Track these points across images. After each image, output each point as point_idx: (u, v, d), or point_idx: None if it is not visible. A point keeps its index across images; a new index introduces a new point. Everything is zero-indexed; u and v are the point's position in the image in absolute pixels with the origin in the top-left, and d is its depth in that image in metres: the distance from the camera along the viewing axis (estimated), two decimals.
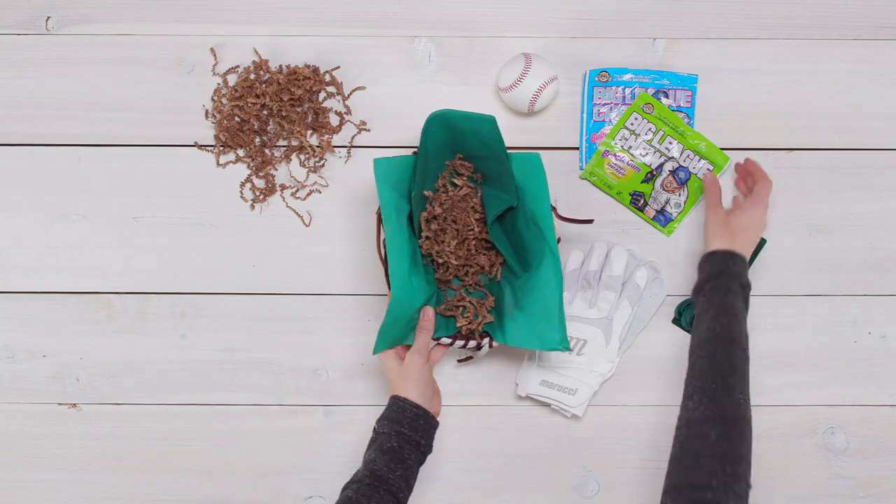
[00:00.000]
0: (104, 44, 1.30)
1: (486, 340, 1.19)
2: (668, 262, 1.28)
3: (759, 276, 1.27)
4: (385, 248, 1.15)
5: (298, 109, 1.28)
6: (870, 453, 1.26)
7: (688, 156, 1.24)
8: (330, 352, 1.27)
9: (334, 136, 1.29)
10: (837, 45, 1.30)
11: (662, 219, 1.24)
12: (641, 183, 1.25)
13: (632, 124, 1.25)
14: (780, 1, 1.31)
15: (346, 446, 1.25)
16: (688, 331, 1.26)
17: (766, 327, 1.27)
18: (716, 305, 1.11)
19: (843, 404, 1.27)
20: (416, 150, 1.22)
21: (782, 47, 1.30)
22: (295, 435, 1.26)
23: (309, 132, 1.29)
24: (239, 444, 1.26)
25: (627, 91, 1.26)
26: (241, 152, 1.28)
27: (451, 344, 1.19)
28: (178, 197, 1.28)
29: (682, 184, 1.23)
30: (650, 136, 1.24)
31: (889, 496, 1.26)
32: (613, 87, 1.25)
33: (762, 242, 1.26)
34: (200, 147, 1.29)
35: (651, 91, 1.25)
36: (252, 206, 1.28)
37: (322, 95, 1.29)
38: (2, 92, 1.29)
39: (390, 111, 1.29)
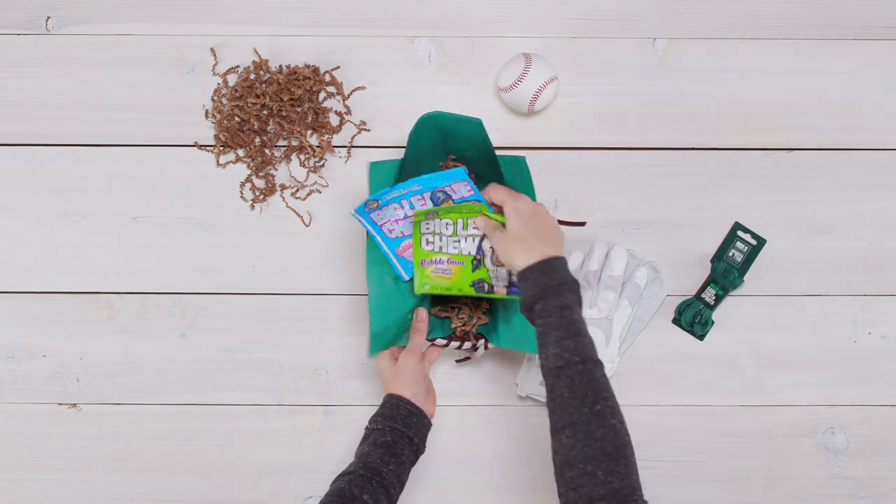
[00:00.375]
0: (104, 44, 1.30)
1: (482, 342, 1.19)
2: (668, 261, 1.28)
3: (759, 276, 1.27)
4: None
5: (298, 109, 1.28)
6: (870, 453, 1.26)
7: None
8: (330, 352, 1.27)
9: (334, 136, 1.29)
10: (837, 45, 1.30)
11: (515, 290, 1.15)
12: (473, 272, 1.15)
13: (427, 230, 1.15)
14: (780, 1, 1.31)
15: (346, 446, 1.25)
16: (688, 331, 1.26)
17: (766, 327, 1.27)
18: (554, 326, 1.00)
19: (843, 404, 1.27)
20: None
21: (782, 47, 1.30)
22: (295, 435, 1.26)
23: (309, 132, 1.29)
24: (239, 444, 1.26)
25: (404, 202, 1.16)
26: (241, 152, 1.28)
27: (447, 345, 1.19)
28: (178, 197, 1.28)
29: None
30: (451, 230, 1.14)
31: (889, 496, 1.26)
32: (387, 206, 1.15)
33: (762, 242, 1.26)
34: (200, 147, 1.29)
35: (427, 195, 1.15)
36: (252, 206, 1.28)
37: (322, 95, 1.29)
38: (2, 92, 1.29)
39: (390, 111, 1.29)
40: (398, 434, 1.10)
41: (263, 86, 1.27)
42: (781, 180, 1.28)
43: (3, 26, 1.30)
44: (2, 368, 1.27)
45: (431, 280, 1.16)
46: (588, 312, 1.23)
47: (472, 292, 1.15)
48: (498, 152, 1.23)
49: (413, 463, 1.11)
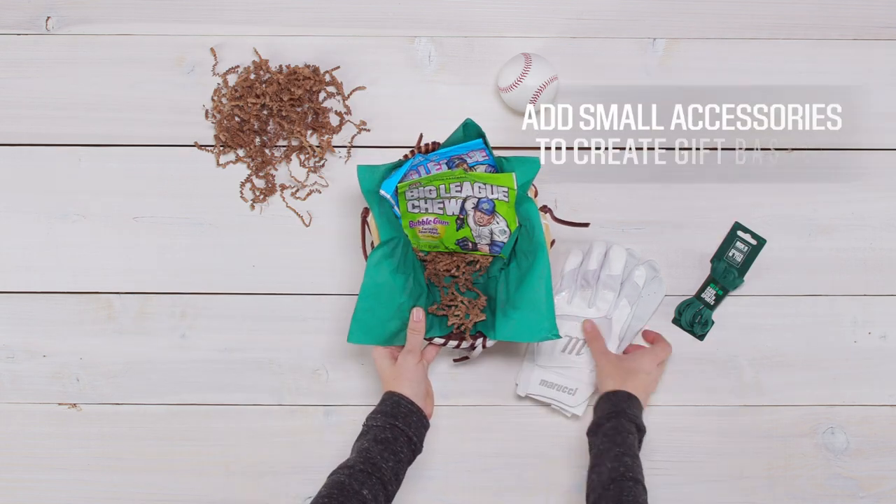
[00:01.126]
0: (104, 44, 1.30)
1: (480, 341, 1.19)
2: (668, 261, 1.28)
3: (760, 276, 1.27)
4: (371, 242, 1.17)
5: (298, 109, 1.28)
6: (870, 453, 1.26)
7: (478, 188, 1.18)
8: (330, 352, 1.27)
9: (334, 136, 1.29)
10: (837, 45, 1.30)
11: (497, 248, 1.21)
12: (458, 230, 1.20)
13: (412, 196, 1.19)
14: (780, 1, 1.31)
15: (346, 446, 1.24)
16: (688, 331, 1.26)
17: (766, 327, 1.27)
18: (618, 444, 1.10)
19: (843, 404, 1.27)
20: (408, 153, 1.22)
21: (782, 47, 1.30)
22: (295, 435, 1.26)
23: (309, 132, 1.29)
24: (239, 444, 1.26)
25: (421, 168, 1.20)
26: (241, 152, 1.28)
27: (445, 344, 1.19)
28: (178, 197, 1.28)
29: (492, 213, 1.18)
30: (434, 194, 1.18)
31: (889, 496, 1.26)
32: (407, 175, 1.20)
33: (762, 242, 1.26)
34: (200, 147, 1.29)
35: (443, 162, 1.19)
36: (252, 206, 1.28)
37: (322, 95, 1.29)
38: (2, 92, 1.29)
39: (390, 111, 1.29)
40: (398, 432, 1.10)
41: (263, 86, 1.27)
42: (781, 180, 1.28)
43: (3, 26, 1.30)
44: (2, 368, 1.27)
45: (420, 240, 1.22)
46: (587, 312, 1.23)
47: (457, 249, 1.22)
48: (498, 153, 1.23)
49: (410, 462, 1.11)
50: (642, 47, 1.30)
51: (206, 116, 1.29)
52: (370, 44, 1.30)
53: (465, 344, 1.19)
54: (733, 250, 1.26)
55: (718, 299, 1.25)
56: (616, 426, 1.12)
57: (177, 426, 1.26)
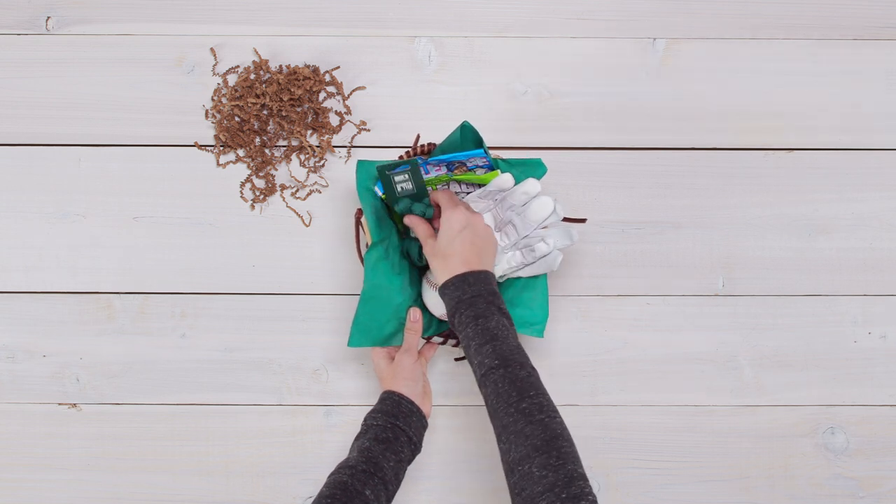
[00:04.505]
0: (104, 44, 1.30)
1: None
2: (668, 262, 1.28)
3: (760, 276, 1.27)
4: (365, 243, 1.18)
5: (298, 109, 1.28)
6: (870, 453, 1.26)
7: (465, 187, 1.20)
8: (330, 352, 1.27)
9: (334, 136, 1.29)
10: (837, 45, 1.30)
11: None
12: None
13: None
14: (780, 1, 1.31)
15: (346, 446, 1.25)
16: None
17: (766, 327, 1.27)
18: (471, 337, 1.03)
19: (843, 404, 1.27)
20: (404, 154, 1.22)
21: (782, 47, 1.31)
22: (295, 435, 1.26)
23: (309, 132, 1.29)
24: (239, 444, 1.26)
25: (421, 169, 1.17)
26: (241, 152, 1.28)
27: (444, 342, 1.19)
28: (178, 197, 1.28)
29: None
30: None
31: (889, 496, 1.26)
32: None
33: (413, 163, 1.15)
34: (200, 147, 1.29)
35: (443, 165, 1.17)
36: (252, 206, 1.28)
37: (322, 95, 1.29)
38: (2, 92, 1.29)
39: (390, 111, 1.29)
40: (399, 431, 1.10)
41: (263, 86, 1.27)
42: (781, 180, 1.28)
43: (3, 26, 1.30)
44: (2, 368, 1.27)
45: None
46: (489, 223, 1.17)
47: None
48: (498, 152, 1.23)
49: (410, 462, 1.11)
50: (642, 47, 1.30)
51: (206, 116, 1.29)
52: (370, 44, 1.30)
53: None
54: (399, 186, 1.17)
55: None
56: (461, 320, 1.04)
57: (177, 426, 1.26)
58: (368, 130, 1.29)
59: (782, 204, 1.29)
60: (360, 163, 1.18)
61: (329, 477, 1.05)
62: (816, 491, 1.26)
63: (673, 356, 1.26)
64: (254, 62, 1.29)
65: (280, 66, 1.29)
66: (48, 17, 1.30)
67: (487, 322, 1.03)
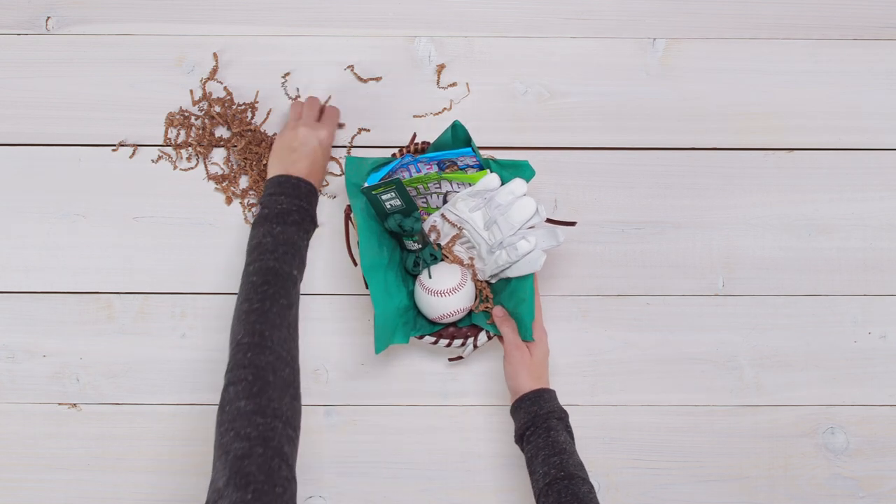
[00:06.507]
0: (104, 44, 1.30)
1: (471, 340, 1.19)
2: (668, 262, 1.28)
3: (760, 277, 1.27)
4: (357, 245, 1.19)
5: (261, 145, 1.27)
6: (870, 453, 1.26)
7: (456, 185, 1.19)
8: (330, 352, 1.27)
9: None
10: (837, 45, 1.30)
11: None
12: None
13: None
14: (780, 1, 1.31)
15: (346, 446, 1.25)
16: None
17: (766, 327, 1.27)
18: (542, 448, 1.09)
19: (843, 404, 1.27)
20: (396, 152, 1.22)
21: (782, 47, 1.31)
22: None
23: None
24: None
25: (411, 167, 1.19)
26: (243, 183, 1.27)
27: (436, 342, 1.19)
28: (178, 197, 1.28)
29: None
30: (414, 193, 1.20)
31: (889, 496, 1.26)
32: (396, 171, 1.20)
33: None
34: (199, 151, 1.29)
35: (434, 163, 1.18)
36: (249, 209, 1.28)
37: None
38: (2, 92, 1.29)
39: (390, 111, 1.29)
40: (304, 212, 1.15)
41: (231, 140, 1.27)
42: (781, 180, 1.28)
43: (3, 26, 1.30)
44: (2, 368, 1.27)
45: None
46: (480, 231, 1.19)
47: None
48: (494, 153, 1.23)
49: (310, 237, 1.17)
50: (642, 47, 1.30)
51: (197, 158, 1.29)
52: (370, 44, 1.30)
53: (456, 343, 1.20)
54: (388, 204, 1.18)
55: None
56: (535, 433, 1.10)
57: (177, 426, 1.26)
58: (368, 130, 1.29)
59: (782, 204, 1.29)
60: (349, 159, 1.18)
61: (250, 265, 1.08)
62: (816, 491, 1.26)
63: (673, 356, 1.26)
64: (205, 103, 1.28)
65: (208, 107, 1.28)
66: (48, 17, 1.30)
67: (558, 436, 1.09)
